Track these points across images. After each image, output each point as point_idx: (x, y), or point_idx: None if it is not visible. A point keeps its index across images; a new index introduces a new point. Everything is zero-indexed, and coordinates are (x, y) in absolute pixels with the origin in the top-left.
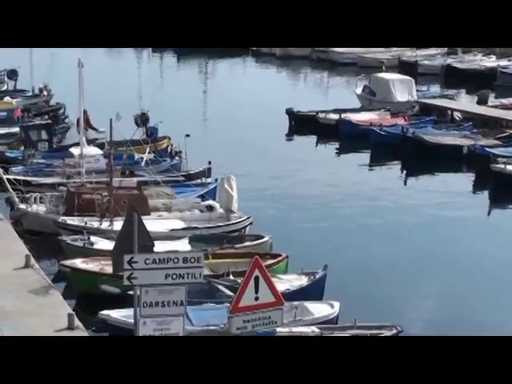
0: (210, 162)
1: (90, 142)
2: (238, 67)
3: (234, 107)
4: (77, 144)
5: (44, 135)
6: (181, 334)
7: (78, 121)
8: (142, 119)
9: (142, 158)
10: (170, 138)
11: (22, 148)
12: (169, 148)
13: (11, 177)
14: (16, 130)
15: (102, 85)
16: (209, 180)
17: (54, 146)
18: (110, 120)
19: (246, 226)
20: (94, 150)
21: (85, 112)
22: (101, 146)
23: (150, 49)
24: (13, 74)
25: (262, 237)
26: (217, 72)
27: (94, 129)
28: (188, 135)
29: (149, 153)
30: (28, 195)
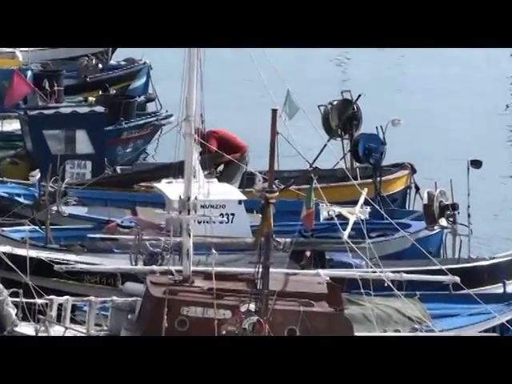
0: None
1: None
2: None
3: None
4: (175, 168)
5: (84, 143)
6: None
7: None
8: (339, 117)
9: (344, 217)
10: (414, 169)
11: (36, 176)
12: (414, 193)
13: (4, 250)
14: (15, 127)
15: None
16: None
17: (112, 171)
18: (275, 113)
19: None
20: (222, 190)
21: None
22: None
23: None
24: None
25: None
26: None
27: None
28: (477, 163)
29: (362, 208)
30: (45, 299)
